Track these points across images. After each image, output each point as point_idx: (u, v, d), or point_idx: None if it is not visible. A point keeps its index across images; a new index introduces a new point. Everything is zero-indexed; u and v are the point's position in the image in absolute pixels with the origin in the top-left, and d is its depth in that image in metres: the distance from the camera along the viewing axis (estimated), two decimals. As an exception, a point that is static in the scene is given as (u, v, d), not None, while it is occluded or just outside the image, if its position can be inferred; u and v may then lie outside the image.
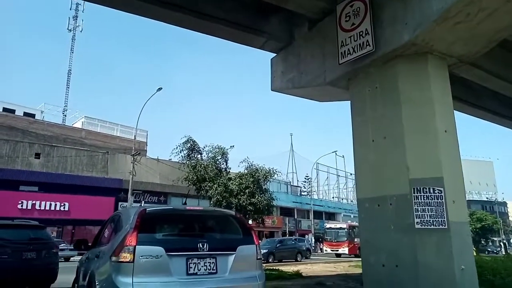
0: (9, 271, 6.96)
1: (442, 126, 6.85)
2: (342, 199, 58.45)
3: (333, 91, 9.10)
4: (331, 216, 50.05)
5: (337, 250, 30.95)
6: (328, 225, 34.97)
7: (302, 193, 53.43)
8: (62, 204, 25.24)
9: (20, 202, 23.69)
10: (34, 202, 24.28)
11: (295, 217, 47.25)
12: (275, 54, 10.58)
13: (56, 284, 8.31)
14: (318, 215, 46.82)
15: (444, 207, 6.42)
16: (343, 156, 57.29)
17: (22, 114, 34.29)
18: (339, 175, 58.79)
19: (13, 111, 33.90)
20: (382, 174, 7.16)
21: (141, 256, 3.80)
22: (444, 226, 6.36)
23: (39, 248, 7.68)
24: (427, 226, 6.43)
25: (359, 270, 15.95)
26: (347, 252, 30.20)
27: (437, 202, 6.48)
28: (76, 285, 5.61)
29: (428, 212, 6.47)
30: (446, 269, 6.26)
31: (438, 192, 6.50)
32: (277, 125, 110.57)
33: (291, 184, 51.28)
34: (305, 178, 56.24)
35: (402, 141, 6.87)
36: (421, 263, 6.34)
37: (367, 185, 7.52)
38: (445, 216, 6.39)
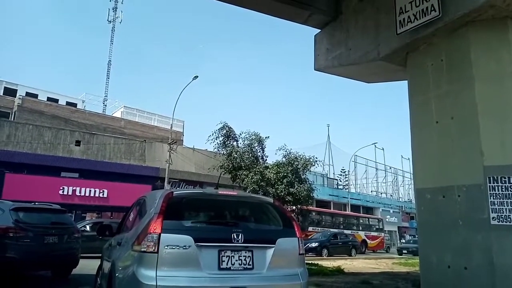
0: (31, 255, 6.71)
1: (525, 104, 5.74)
2: (381, 193, 56.27)
3: (386, 68, 8.11)
4: (369, 211, 48.24)
5: None
6: None
7: (339, 186, 51.94)
8: (101, 191, 25.58)
9: (61, 188, 24.16)
10: (74, 188, 24.69)
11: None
12: (319, 31, 9.70)
13: (79, 269, 8.06)
14: (355, 209, 45.23)
15: (528, 200, 5.35)
16: (382, 149, 55.08)
17: (64, 104, 35.36)
18: (378, 169, 56.61)
19: (56, 101, 35.02)
20: (448, 160, 6.14)
21: (167, 246, 3.26)
22: (528, 223, 5.31)
23: (61, 232, 7.45)
24: (506, 222, 5.39)
25: (405, 268, 14.99)
26: None
27: (519, 194, 5.42)
28: (100, 272, 5.19)
29: (508, 206, 5.43)
30: (530, 274, 5.22)
31: (521, 183, 5.43)
32: (313, 116, 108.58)
33: (328, 176, 49.91)
34: (341, 171, 54.67)
35: (475, 122, 5.82)
36: (498, 266, 5.32)
37: (429, 173, 6.52)
38: (529, 211, 5.33)
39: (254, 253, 3.53)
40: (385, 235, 33.38)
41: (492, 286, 5.31)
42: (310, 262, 13.75)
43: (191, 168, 31.21)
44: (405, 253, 27.19)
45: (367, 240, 30.35)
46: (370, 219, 34.26)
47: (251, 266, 3.49)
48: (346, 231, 28.47)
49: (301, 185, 14.67)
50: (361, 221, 32.65)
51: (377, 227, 33.25)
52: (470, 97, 5.96)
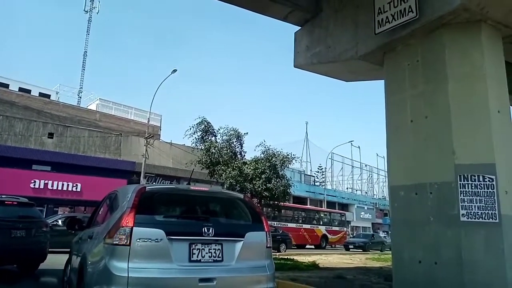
0: None
1: (495, 106, 5.96)
2: (356, 190, 57.42)
3: (363, 67, 8.24)
4: (344, 207, 49.16)
5: None
6: None
7: (316, 183, 52.62)
8: (75, 185, 24.98)
9: (32, 181, 23.45)
10: (46, 181, 24.02)
11: (308, 206, 46.46)
12: (299, 28, 9.75)
13: (48, 264, 7.88)
14: (331, 205, 45.97)
15: (495, 197, 5.58)
16: (358, 147, 56.15)
17: (37, 95, 34.18)
18: (353, 166, 57.68)
19: (28, 91, 33.79)
20: (421, 158, 6.31)
21: (139, 239, 3.38)
22: (495, 219, 5.53)
23: (29, 226, 7.29)
24: (475, 219, 5.59)
25: (378, 264, 15.35)
26: None
27: (487, 192, 5.63)
28: (69, 266, 5.17)
29: (476, 203, 5.63)
30: (496, 268, 5.45)
31: (489, 181, 5.64)
32: (292, 113, 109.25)
33: (305, 173, 50.47)
34: (318, 168, 55.38)
35: (447, 121, 6.00)
36: (466, 261, 5.52)
37: (403, 171, 6.68)
38: (496, 208, 5.56)
39: (223, 246, 3.68)
40: (347, 229, 33.01)
41: (460, 281, 5.51)
42: (285, 257, 13.88)
43: (168, 163, 30.86)
44: (351, 248, 26.31)
45: (328, 235, 29.59)
46: (331, 214, 33.36)
47: (220, 259, 3.64)
48: (305, 226, 27.79)
49: (278, 181, 14.77)
50: (322, 215, 31.59)
51: (339, 222, 32.52)
52: (443, 97, 6.13)
